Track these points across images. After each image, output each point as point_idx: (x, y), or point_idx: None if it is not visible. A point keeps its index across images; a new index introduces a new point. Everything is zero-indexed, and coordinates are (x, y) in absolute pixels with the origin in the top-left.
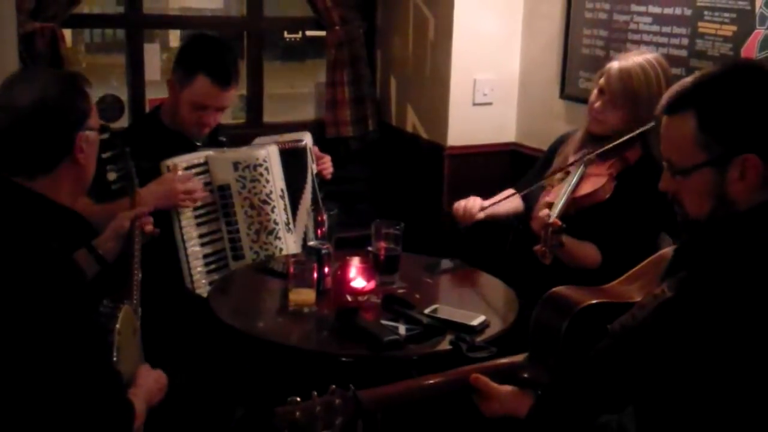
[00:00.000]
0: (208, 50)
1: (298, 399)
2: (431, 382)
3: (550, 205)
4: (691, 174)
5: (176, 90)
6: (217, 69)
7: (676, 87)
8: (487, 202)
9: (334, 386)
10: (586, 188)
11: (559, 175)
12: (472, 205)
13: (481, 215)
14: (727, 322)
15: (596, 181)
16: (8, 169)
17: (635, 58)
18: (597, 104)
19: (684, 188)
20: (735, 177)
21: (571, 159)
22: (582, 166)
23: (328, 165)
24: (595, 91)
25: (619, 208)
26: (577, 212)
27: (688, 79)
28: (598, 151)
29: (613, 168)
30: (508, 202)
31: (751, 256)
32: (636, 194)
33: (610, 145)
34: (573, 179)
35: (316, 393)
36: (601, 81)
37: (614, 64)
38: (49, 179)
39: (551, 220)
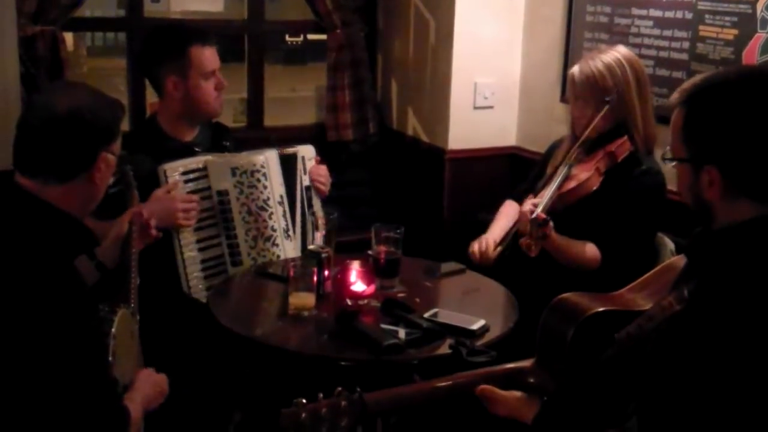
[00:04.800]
0: (178, 29)
1: (304, 401)
2: (437, 385)
3: (535, 204)
4: (677, 164)
5: (180, 85)
6: (198, 34)
7: (688, 80)
8: (497, 234)
9: (340, 388)
10: (572, 183)
11: (545, 178)
12: (486, 246)
13: (498, 250)
14: (736, 338)
15: (582, 176)
16: (26, 169)
17: (595, 57)
18: (576, 110)
19: (677, 175)
20: (705, 183)
21: (558, 160)
22: (567, 167)
23: (323, 180)
24: (572, 100)
25: (609, 202)
26: (566, 208)
27: (700, 76)
28: (576, 145)
29: (600, 163)
30: (514, 218)
31: (759, 272)
32: (625, 190)
33: (584, 135)
34: (558, 178)
35: (322, 395)
36: (571, 87)
37: (575, 69)
38: (62, 189)
39: (535, 215)
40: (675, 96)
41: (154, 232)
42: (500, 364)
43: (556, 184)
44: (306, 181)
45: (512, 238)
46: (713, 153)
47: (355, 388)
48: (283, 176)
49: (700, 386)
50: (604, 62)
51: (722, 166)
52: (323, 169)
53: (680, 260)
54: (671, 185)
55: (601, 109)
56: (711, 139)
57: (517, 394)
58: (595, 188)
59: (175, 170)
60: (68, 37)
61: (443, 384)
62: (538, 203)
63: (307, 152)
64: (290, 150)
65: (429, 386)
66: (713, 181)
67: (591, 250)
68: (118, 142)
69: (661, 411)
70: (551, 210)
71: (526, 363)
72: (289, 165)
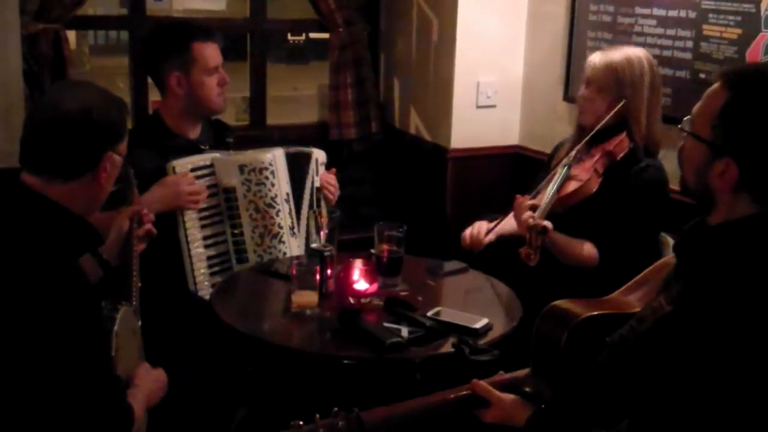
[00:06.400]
0: (180, 25)
1: (301, 422)
2: (434, 400)
3: (534, 208)
4: (693, 140)
5: (183, 81)
6: (200, 30)
7: (742, 63)
8: (492, 224)
9: (336, 408)
10: (571, 186)
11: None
12: (478, 231)
13: (490, 237)
14: (725, 338)
15: (581, 179)
16: (32, 166)
17: (619, 49)
18: (585, 93)
19: (685, 147)
20: (717, 171)
21: (560, 159)
22: (566, 167)
23: (332, 189)
24: (582, 85)
25: (608, 203)
26: (566, 211)
27: (755, 64)
28: (582, 142)
29: (599, 164)
30: (512, 218)
31: (749, 270)
32: (624, 187)
33: (593, 132)
34: (558, 180)
35: (318, 416)
36: (587, 72)
37: (597, 54)
38: (66, 188)
39: (534, 222)
40: (718, 75)
41: (149, 226)
42: (499, 369)
43: (554, 187)
44: (317, 183)
45: (512, 244)
46: (740, 150)
47: (352, 407)
48: (290, 175)
49: (692, 387)
50: (626, 55)
51: (743, 164)
52: (333, 179)
53: (674, 258)
54: (673, 185)
55: (613, 105)
56: (745, 136)
57: (511, 396)
58: (594, 190)
59: (183, 167)
60: (71, 35)
61: (439, 398)
62: (536, 208)
63: (320, 156)
64: (302, 150)
65: (425, 401)
66: (726, 173)
67: (588, 249)
68: (125, 142)
69: (652, 412)
70: (551, 212)
71: (520, 373)
72: (297, 164)
